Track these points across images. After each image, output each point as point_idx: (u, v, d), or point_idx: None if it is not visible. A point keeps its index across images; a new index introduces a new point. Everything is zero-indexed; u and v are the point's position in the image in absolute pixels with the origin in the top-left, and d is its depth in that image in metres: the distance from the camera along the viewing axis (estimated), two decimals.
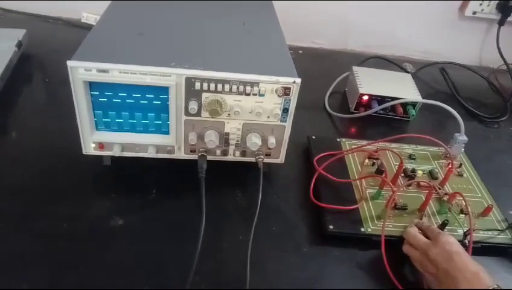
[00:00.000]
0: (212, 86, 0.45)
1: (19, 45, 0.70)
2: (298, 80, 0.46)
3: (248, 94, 0.46)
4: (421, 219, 0.50)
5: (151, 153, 0.49)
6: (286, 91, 0.47)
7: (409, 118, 0.71)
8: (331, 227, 0.48)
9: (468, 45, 0.93)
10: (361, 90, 0.69)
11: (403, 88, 0.71)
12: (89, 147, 0.49)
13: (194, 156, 0.50)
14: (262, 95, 0.47)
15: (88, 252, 0.44)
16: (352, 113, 0.70)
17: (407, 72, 0.83)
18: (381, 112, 0.70)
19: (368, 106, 0.70)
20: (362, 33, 0.91)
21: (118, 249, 0.45)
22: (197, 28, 0.55)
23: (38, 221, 0.46)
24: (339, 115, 0.70)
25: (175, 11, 0.59)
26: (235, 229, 0.48)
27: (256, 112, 0.48)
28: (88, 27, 0.83)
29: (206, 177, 0.47)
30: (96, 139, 0.48)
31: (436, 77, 0.86)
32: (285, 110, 0.48)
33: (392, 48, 0.92)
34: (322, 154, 0.57)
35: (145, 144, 0.49)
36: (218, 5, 0.64)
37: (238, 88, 0.46)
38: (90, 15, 0.86)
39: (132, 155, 0.49)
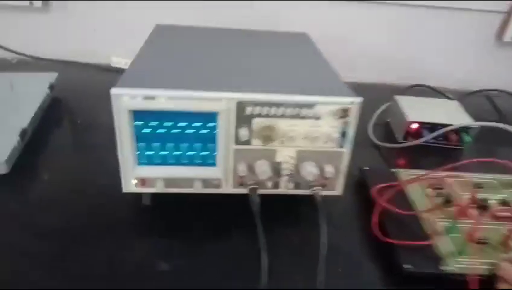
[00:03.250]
0: (265, 110, 0.41)
1: (51, 87, 0.68)
2: (358, 99, 0.42)
3: (303, 117, 0.42)
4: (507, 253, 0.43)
5: (197, 188, 0.44)
6: (345, 113, 0.42)
7: (462, 146, 0.66)
8: (407, 266, 0.41)
9: (510, 71, 0.89)
10: (409, 118, 0.64)
11: (453, 115, 0.67)
12: (130, 184, 0.44)
13: (243, 190, 0.45)
14: (318, 118, 0.43)
15: None
16: (401, 143, 0.66)
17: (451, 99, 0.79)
18: (431, 140, 0.65)
19: (417, 134, 0.65)
20: (395, 65, 0.89)
21: None
22: (239, 55, 0.53)
23: (74, 264, 0.41)
24: (387, 145, 0.65)
25: (214, 41, 0.57)
26: (294, 271, 0.42)
27: (311, 138, 0.43)
28: (118, 71, 0.82)
29: (251, 214, 0.42)
30: (138, 175, 0.44)
31: (481, 106, 0.81)
32: (344, 135, 0.43)
33: (428, 79, 0.88)
34: (379, 186, 0.52)
35: (191, 177, 0.44)
36: (257, 36, 0.62)
37: (292, 111, 0.42)
38: (119, 59, 0.86)
39: (177, 191, 0.45)
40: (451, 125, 0.63)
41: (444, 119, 0.64)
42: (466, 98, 0.83)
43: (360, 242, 0.47)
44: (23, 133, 0.55)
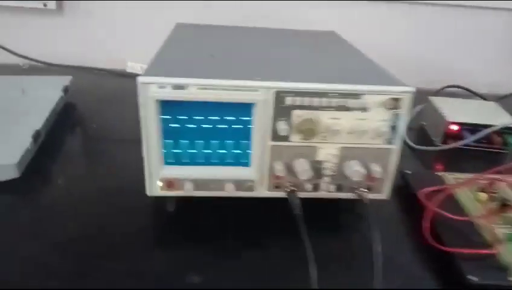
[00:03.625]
0: (306, 100, 0.37)
1: (65, 90, 0.65)
2: (411, 89, 0.38)
3: (348, 109, 0.38)
4: None
5: (229, 191, 0.40)
6: (396, 103, 0.38)
7: (506, 149, 0.61)
8: (472, 277, 0.36)
9: None
10: (448, 119, 0.60)
11: (495, 116, 0.62)
12: (155, 187, 0.40)
13: (280, 194, 0.40)
14: (366, 110, 0.38)
15: None
16: (439, 146, 0.61)
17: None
18: (472, 143, 0.60)
19: (457, 137, 0.60)
20: (417, 68, 0.85)
21: None
22: (272, 48, 0.49)
23: (93, 279, 0.36)
24: (425, 148, 0.60)
25: (242, 37, 0.54)
26: (340, 279, 0.37)
27: (357, 132, 0.39)
28: (133, 76, 0.79)
29: (287, 221, 0.37)
30: (164, 176, 0.39)
31: None
32: (394, 129, 0.39)
33: (455, 82, 0.84)
34: (426, 190, 0.47)
35: (222, 179, 0.40)
36: (285, 34, 0.59)
37: (336, 102, 0.37)
38: (134, 64, 0.82)
39: (207, 195, 0.40)
40: (495, 126, 0.58)
41: (486, 120, 0.60)
42: (502, 102, 0.78)
43: (410, 251, 0.42)
44: (36, 135, 0.51)
